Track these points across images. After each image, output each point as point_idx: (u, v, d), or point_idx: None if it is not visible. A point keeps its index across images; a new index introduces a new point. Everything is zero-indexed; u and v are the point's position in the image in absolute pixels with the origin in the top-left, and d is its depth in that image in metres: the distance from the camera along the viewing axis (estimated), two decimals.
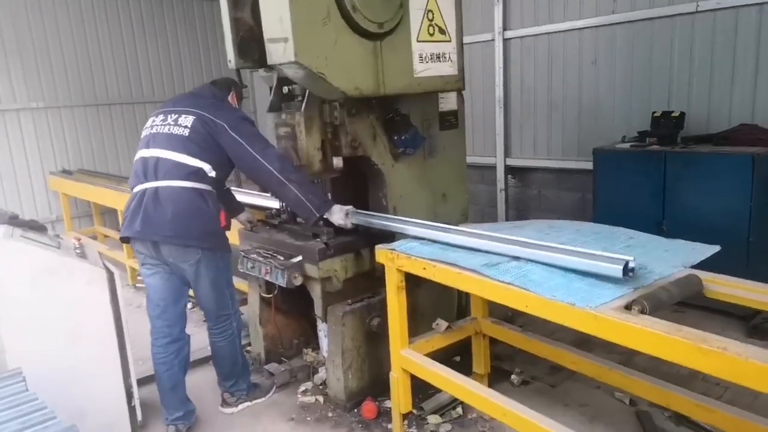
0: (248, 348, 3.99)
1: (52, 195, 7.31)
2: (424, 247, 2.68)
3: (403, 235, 2.89)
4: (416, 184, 3.56)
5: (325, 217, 3.08)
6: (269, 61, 2.72)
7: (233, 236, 3.75)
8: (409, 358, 2.75)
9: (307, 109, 3.09)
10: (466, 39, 6.28)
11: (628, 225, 3.60)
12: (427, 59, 3.10)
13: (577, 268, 2.12)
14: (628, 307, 1.87)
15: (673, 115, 4.38)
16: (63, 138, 7.51)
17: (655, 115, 4.49)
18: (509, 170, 6.16)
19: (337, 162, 3.32)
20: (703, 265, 2.21)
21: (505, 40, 5.84)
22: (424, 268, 2.54)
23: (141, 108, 7.96)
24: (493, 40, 5.91)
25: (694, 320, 3.71)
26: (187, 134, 2.89)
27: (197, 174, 2.87)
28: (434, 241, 2.71)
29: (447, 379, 2.58)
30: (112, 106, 7.84)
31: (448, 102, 3.71)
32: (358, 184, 3.58)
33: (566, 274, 2.16)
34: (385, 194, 3.44)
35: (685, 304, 3.80)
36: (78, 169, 7.37)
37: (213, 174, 2.94)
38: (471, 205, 6.81)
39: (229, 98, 3.25)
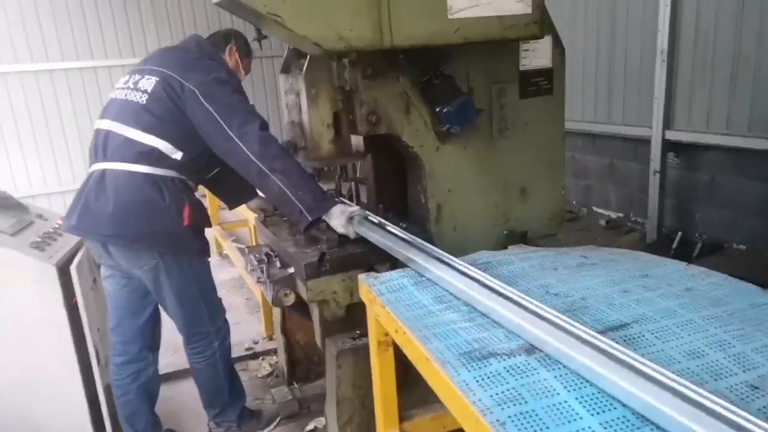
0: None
1: None
2: (413, 292, 1.71)
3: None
4: (475, 174, 2.52)
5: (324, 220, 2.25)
6: None
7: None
8: None
9: (311, 69, 2.22)
10: None
11: None
12: None
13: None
14: None
15: None
16: None
17: None
18: (670, 146, 4.61)
19: (358, 143, 2.44)
20: None
21: None
22: (396, 331, 1.59)
23: None
24: None
25: None
26: (144, 102, 2.22)
27: (150, 155, 2.19)
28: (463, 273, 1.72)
29: None
30: None
31: (536, 56, 2.55)
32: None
33: (609, 410, 1.09)
34: (424, 188, 2.47)
35: None
36: None
37: (178, 156, 2.24)
38: (617, 188, 5.39)
39: (226, 54, 2.50)
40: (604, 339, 1.20)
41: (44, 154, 6.65)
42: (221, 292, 4.34)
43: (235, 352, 3.45)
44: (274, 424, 2.76)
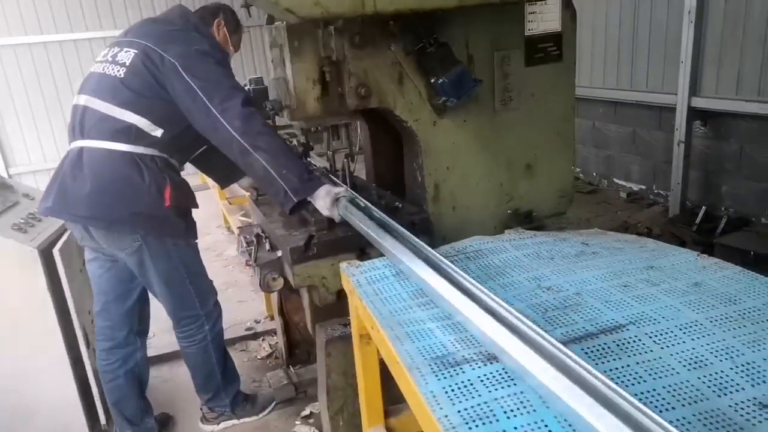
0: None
1: None
2: (393, 283, 1.58)
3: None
4: (476, 150, 2.36)
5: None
6: None
7: None
8: None
9: None
10: None
11: None
12: None
13: None
14: None
15: None
16: None
17: None
18: (696, 114, 4.32)
19: (351, 101, 2.27)
20: None
21: None
22: (372, 327, 1.47)
23: None
24: None
25: None
26: (122, 75, 2.09)
27: (128, 132, 2.08)
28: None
29: None
30: None
31: (543, 19, 2.35)
32: None
33: None
34: (420, 165, 2.32)
35: None
36: None
37: (158, 133, 2.12)
38: (639, 159, 5.12)
39: (213, 28, 2.34)
40: (569, 353, 1.03)
41: (42, 128, 6.60)
42: (228, 269, 4.29)
43: (237, 332, 3.41)
44: (269, 408, 2.69)
